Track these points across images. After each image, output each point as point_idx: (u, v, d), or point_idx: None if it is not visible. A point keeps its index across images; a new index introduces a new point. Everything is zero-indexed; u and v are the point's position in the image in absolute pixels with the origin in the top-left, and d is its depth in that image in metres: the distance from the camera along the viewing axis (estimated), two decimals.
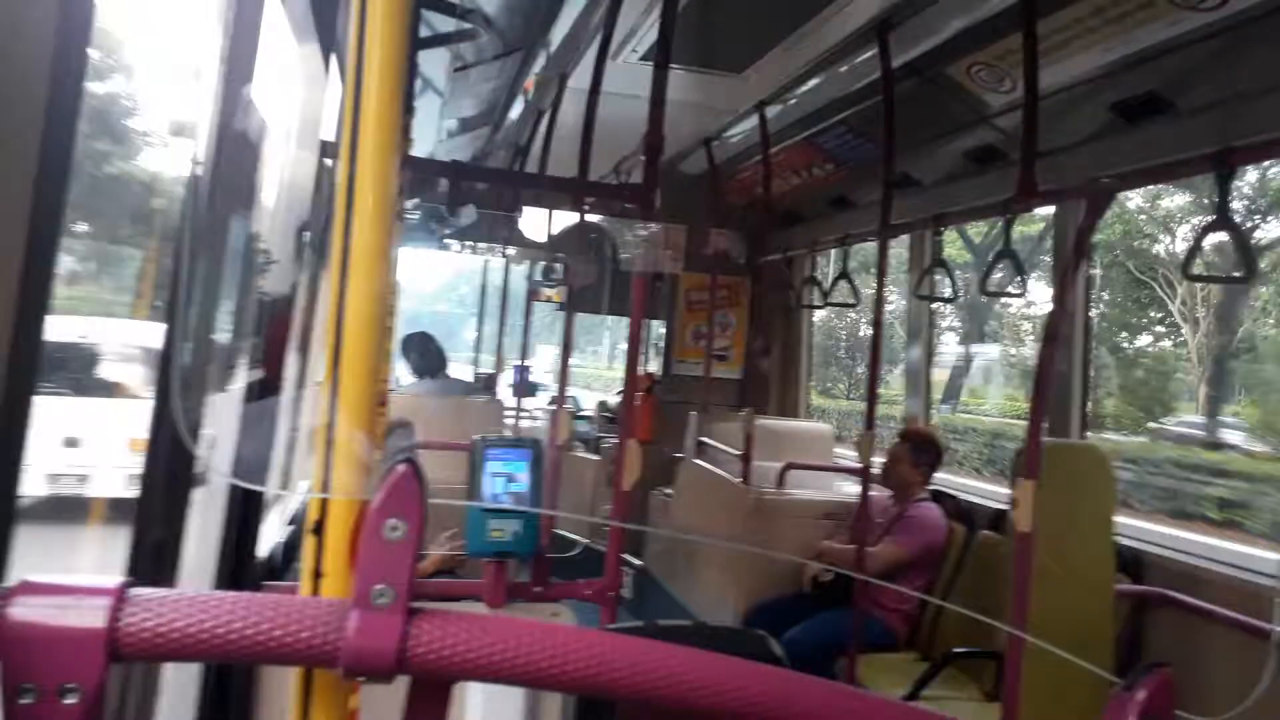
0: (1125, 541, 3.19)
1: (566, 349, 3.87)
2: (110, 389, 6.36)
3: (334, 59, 2.11)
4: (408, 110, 2.39)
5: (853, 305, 4.79)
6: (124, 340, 6.66)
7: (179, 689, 1.68)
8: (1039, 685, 2.55)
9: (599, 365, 21.14)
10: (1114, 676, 0.68)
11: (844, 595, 3.91)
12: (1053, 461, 2.76)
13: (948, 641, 3.57)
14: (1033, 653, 2.50)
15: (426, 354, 5.15)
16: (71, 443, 5.79)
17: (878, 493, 4.05)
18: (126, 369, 6.45)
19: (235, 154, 1.46)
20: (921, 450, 4.08)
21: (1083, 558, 2.93)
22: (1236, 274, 2.57)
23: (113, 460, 5.62)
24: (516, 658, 0.62)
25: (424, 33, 3.50)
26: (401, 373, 5.38)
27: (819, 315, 6.71)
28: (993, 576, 3.42)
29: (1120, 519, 3.13)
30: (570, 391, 4.25)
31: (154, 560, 1.45)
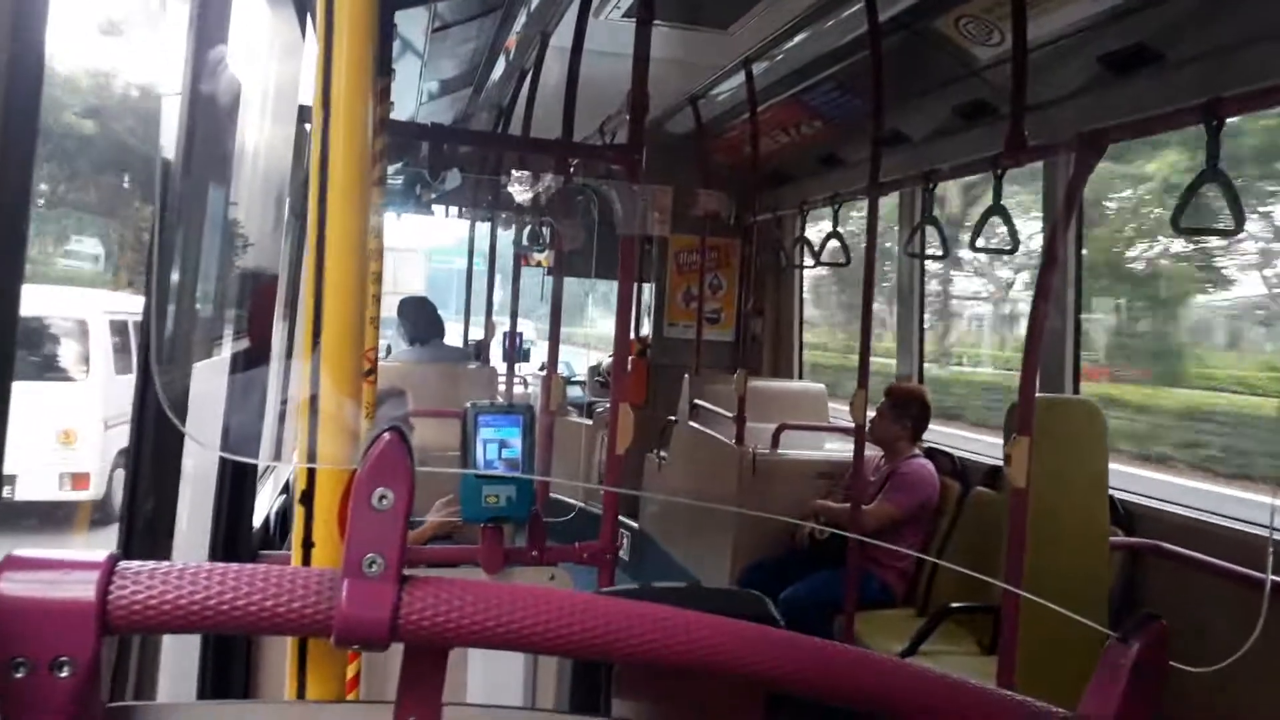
0: (1120, 495, 3.20)
1: (556, 314, 3.85)
2: (33, 370, 5.64)
3: (310, 21, 2.07)
4: (387, 72, 2.35)
5: (843, 265, 4.76)
6: (47, 308, 5.95)
7: (180, 656, 1.68)
8: (1036, 638, 2.58)
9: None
10: (1108, 629, 0.68)
11: (840, 553, 3.93)
12: (1046, 416, 2.76)
13: (944, 597, 3.59)
14: (1029, 606, 2.52)
15: (421, 320, 5.08)
16: None
17: (873, 451, 4.06)
18: (56, 345, 5.91)
19: (211, 119, 1.44)
20: (904, 407, 4.09)
21: (1077, 511, 2.94)
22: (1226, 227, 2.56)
23: (41, 457, 4.98)
24: (510, 623, 0.62)
25: None
26: (396, 340, 5.34)
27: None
28: (988, 532, 3.44)
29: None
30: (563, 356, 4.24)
31: (147, 532, 1.44)
